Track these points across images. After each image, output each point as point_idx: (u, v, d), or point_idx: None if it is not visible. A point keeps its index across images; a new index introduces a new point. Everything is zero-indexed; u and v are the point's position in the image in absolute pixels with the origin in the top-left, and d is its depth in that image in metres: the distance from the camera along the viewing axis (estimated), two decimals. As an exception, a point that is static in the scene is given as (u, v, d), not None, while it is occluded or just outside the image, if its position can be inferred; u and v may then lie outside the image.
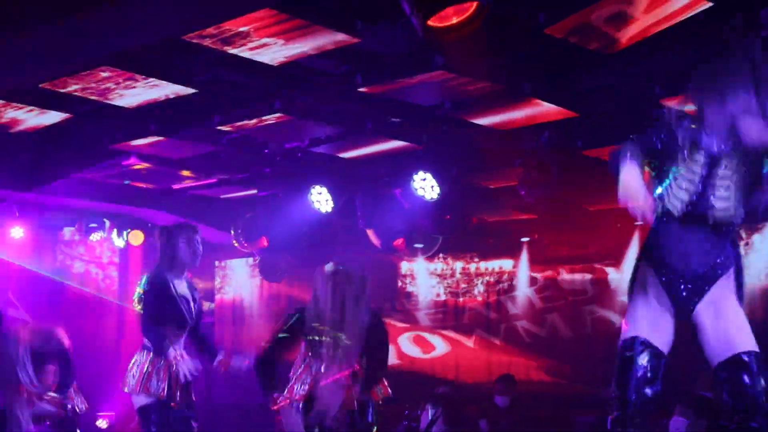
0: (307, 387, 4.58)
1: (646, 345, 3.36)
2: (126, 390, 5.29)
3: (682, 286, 3.38)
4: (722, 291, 3.37)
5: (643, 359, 3.32)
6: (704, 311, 3.36)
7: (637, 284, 3.51)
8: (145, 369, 5.21)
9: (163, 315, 5.21)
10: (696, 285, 3.37)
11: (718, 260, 3.36)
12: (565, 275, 10.48)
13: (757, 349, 3.32)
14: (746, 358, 3.29)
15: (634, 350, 3.36)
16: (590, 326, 10.23)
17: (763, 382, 3.27)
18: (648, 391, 3.31)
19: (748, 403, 3.25)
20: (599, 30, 5.29)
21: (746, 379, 3.26)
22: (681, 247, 3.38)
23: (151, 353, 5.23)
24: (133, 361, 5.33)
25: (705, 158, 3.31)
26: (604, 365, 9.04)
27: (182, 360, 5.16)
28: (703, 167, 3.33)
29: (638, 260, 3.55)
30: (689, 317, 3.42)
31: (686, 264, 3.37)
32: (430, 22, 3.48)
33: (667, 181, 3.38)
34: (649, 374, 3.32)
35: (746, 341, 3.31)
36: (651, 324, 3.41)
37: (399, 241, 9.08)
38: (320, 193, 8.39)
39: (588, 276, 10.33)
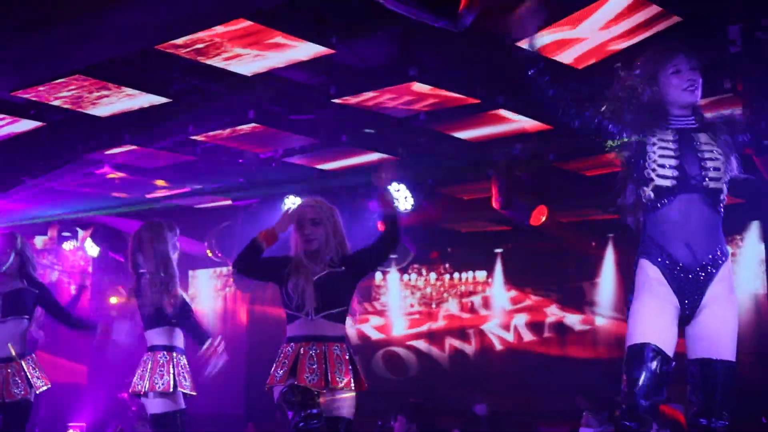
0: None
1: (657, 352, 3.25)
2: (151, 391, 4.95)
3: (689, 280, 3.32)
4: (723, 285, 3.33)
5: (654, 366, 3.23)
6: (705, 308, 3.33)
7: (639, 283, 3.38)
8: (171, 368, 5.06)
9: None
10: (700, 277, 3.32)
11: (719, 248, 3.37)
12: (537, 286, 10.56)
13: (733, 360, 3.33)
14: (719, 367, 3.31)
15: (644, 357, 3.25)
16: (563, 337, 10.30)
17: (723, 393, 3.30)
18: (657, 397, 3.26)
19: (707, 405, 3.29)
20: (570, 44, 5.35)
21: (712, 386, 3.29)
22: (681, 233, 3.32)
23: (163, 351, 5.13)
24: (149, 364, 5.07)
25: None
26: (578, 376, 9.23)
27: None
28: (674, 134, 3.36)
29: (638, 256, 3.41)
30: (693, 311, 3.35)
31: (691, 253, 3.31)
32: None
33: (647, 155, 3.35)
34: (659, 381, 3.27)
35: (728, 349, 3.31)
36: (659, 328, 3.31)
37: None
38: (294, 203, 8.38)
39: (560, 286, 10.41)
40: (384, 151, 7.67)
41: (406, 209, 7.98)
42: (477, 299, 10.94)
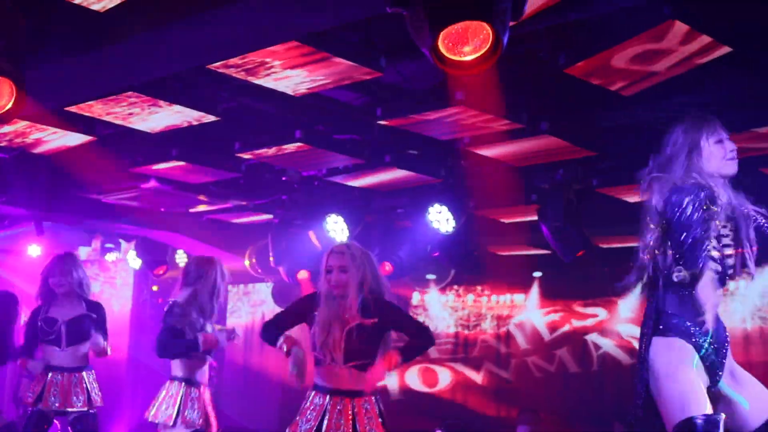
0: None
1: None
2: (157, 421, 5.26)
3: (716, 356, 3.27)
4: (730, 355, 3.34)
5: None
6: (727, 380, 3.29)
7: (675, 364, 3.23)
8: (179, 400, 5.22)
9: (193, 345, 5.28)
10: (722, 352, 3.29)
11: (724, 323, 3.36)
12: (576, 309, 10.51)
13: None
14: None
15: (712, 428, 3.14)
16: (598, 363, 10.23)
17: None
18: None
19: None
20: (618, 71, 5.36)
21: None
22: (713, 311, 3.21)
23: (183, 383, 5.27)
24: (163, 392, 5.32)
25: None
26: (613, 401, 9.15)
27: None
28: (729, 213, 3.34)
29: (663, 335, 3.26)
30: (715, 386, 3.28)
31: (717, 330, 3.25)
32: (446, 54, 3.48)
33: (713, 242, 3.27)
34: None
35: None
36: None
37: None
38: (336, 222, 8.46)
39: (599, 310, 10.35)
40: (426, 172, 7.71)
41: (447, 231, 8.00)
42: (514, 321, 10.90)
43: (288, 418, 12.00)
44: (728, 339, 3.31)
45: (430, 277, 10.56)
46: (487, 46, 3.49)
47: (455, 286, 11.08)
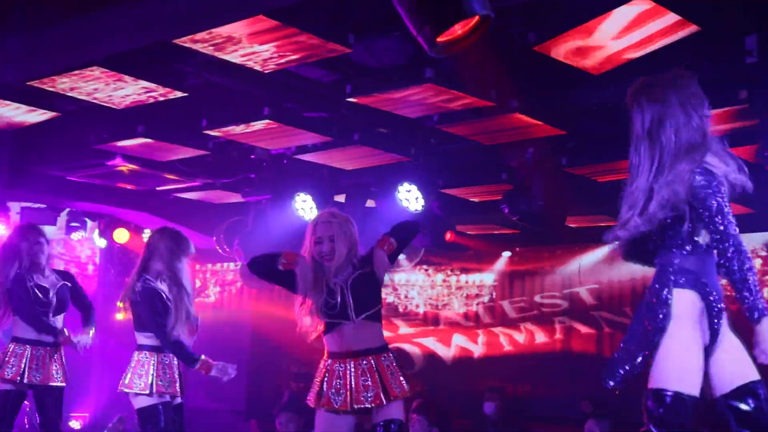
0: None
1: (693, 399, 3.18)
2: (132, 391, 5.18)
3: (718, 317, 3.27)
4: (725, 321, 3.36)
5: (688, 414, 3.15)
6: (720, 342, 3.33)
7: (677, 316, 3.23)
8: (152, 369, 5.18)
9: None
10: (722, 315, 3.29)
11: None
12: (544, 290, 10.57)
13: (759, 378, 3.32)
14: (755, 387, 3.29)
15: (680, 407, 3.16)
16: (567, 340, 10.30)
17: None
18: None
19: (757, 429, 3.25)
20: (588, 49, 5.35)
21: (755, 405, 3.26)
22: (713, 268, 3.28)
23: (154, 352, 5.22)
24: (134, 363, 5.23)
25: None
26: (581, 382, 9.23)
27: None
28: None
29: (675, 286, 3.26)
30: (713, 346, 3.28)
31: (719, 291, 3.27)
32: (438, 39, 3.51)
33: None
34: (689, 425, 3.22)
35: (754, 370, 3.31)
36: (698, 373, 3.22)
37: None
38: (305, 201, 8.40)
39: (567, 292, 10.42)
40: (395, 150, 7.68)
41: (416, 210, 7.98)
42: (483, 300, 10.95)
43: (256, 398, 11.95)
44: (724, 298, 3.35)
45: (400, 256, 10.55)
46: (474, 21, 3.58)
47: (424, 266, 11.09)
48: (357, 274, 4.21)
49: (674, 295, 3.25)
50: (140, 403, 5.14)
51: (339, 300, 4.16)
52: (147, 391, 5.10)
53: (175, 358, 5.23)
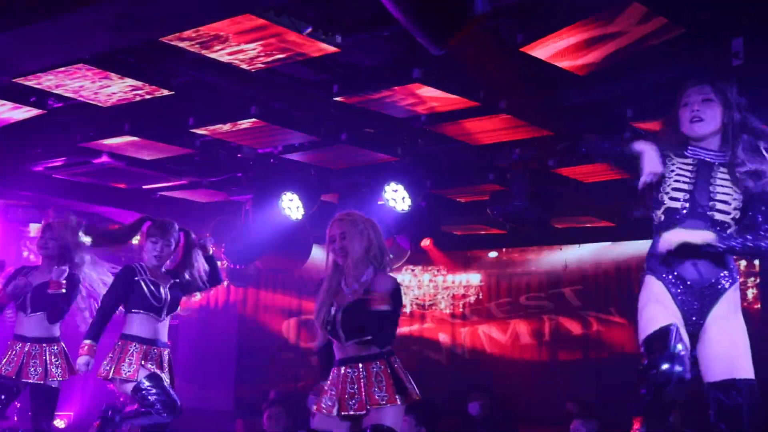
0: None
1: (679, 332, 3.30)
2: (119, 377, 5.22)
3: (694, 296, 3.38)
4: (729, 306, 3.38)
5: (682, 344, 3.25)
6: (711, 326, 3.36)
7: (644, 297, 3.47)
8: (141, 358, 5.25)
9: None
10: (706, 294, 3.38)
11: (726, 271, 3.40)
12: (530, 291, 10.59)
13: (752, 377, 3.32)
14: (741, 386, 3.30)
15: (670, 336, 3.27)
16: (553, 341, 10.33)
17: (748, 412, 3.28)
18: (687, 375, 3.24)
19: (733, 428, 3.26)
20: (576, 50, 5.36)
21: (736, 404, 3.27)
22: (689, 254, 3.38)
23: (143, 344, 5.29)
24: (117, 350, 5.31)
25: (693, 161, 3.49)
26: (567, 382, 9.26)
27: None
28: (694, 164, 3.48)
29: (643, 273, 3.50)
30: (697, 331, 3.39)
31: (697, 272, 3.38)
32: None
33: (665, 180, 3.48)
34: (689, 359, 3.28)
35: (745, 368, 3.31)
36: (672, 321, 3.35)
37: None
38: (291, 200, 8.39)
39: (552, 292, 10.44)
40: (383, 150, 7.67)
41: (403, 210, 7.98)
42: (470, 301, 10.96)
43: (243, 398, 11.95)
44: (719, 286, 3.38)
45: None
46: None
47: (411, 266, 11.09)
48: (355, 301, 4.18)
49: None
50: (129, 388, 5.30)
51: (333, 320, 4.19)
52: (136, 377, 5.21)
53: (165, 351, 5.43)
